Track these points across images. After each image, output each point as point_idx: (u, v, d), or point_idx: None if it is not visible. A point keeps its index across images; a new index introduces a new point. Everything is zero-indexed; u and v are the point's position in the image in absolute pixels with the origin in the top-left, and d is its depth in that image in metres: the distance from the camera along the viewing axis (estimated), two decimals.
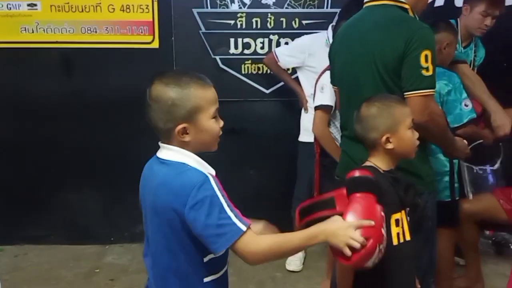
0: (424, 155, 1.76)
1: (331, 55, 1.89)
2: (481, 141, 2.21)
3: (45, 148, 3.02)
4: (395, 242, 1.35)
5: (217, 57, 2.97)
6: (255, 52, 2.94)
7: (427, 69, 1.58)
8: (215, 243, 1.10)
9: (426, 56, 1.57)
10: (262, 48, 2.94)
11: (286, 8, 2.93)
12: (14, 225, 3.09)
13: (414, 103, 1.59)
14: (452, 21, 2.50)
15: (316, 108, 2.33)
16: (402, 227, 1.38)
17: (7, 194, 3.05)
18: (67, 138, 3.02)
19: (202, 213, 1.09)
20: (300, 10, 2.93)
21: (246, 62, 2.98)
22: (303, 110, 2.76)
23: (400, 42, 1.59)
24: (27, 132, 3.00)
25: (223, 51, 2.96)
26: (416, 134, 1.43)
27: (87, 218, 3.12)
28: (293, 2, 2.92)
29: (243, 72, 2.99)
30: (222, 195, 1.13)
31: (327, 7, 2.91)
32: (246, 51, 2.96)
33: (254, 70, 2.99)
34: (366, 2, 1.77)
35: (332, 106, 2.28)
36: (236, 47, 2.96)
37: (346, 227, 1.17)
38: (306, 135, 2.72)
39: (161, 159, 1.20)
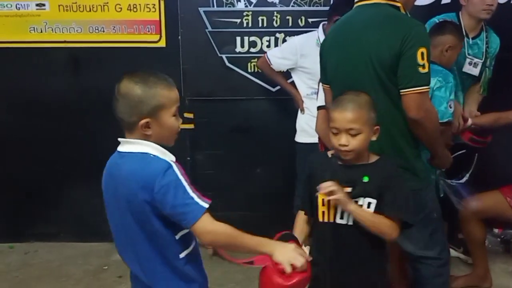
0: (418, 152, 1.79)
1: (322, 54, 1.90)
2: (463, 151, 2.27)
3: (54, 146, 3.05)
4: (320, 219, 1.55)
5: (224, 56, 2.98)
6: (261, 51, 2.93)
7: (423, 66, 1.61)
8: (183, 220, 1.23)
9: (422, 53, 1.60)
10: (268, 46, 2.94)
11: (292, 6, 2.92)
12: (24, 222, 3.13)
13: (411, 99, 1.62)
14: (453, 14, 2.49)
15: (319, 108, 2.33)
16: (328, 208, 1.52)
17: (17, 192, 3.09)
18: (76, 136, 3.05)
19: (169, 196, 1.21)
20: (306, 8, 2.93)
21: (252, 60, 2.97)
22: (299, 111, 2.77)
23: (396, 40, 1.60)
24: (36, 130, 3.03)
25: (230, 50, 2.96)
26: None
27: (96, 216, 3.11)
28: (299, 0, 2.92)
29: (249, 70, 3.00)
30: (185, 180, 1.24)
31: None
32: (252, 50, 2.96)
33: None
34: (357, 2, 1.79)
35: None
36: (242, 46, 2.96)
37: (293, 249, 1.30)
38: (302, 136, 2.73)
39: (123, 152, 1.31)
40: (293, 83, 2.79)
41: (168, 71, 2.97)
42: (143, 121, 1.26)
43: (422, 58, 1.60)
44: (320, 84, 2.37)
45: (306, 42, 2.64)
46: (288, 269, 1.24)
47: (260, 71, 2.95)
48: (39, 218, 3.12)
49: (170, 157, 1.30)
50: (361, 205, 1.49)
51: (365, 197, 1.49)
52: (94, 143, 3.04)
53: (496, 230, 3.04)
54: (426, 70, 1.61)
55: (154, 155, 1.27)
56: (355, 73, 1.71)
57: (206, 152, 3.11)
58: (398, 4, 1.72)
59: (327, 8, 2.75)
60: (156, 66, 2.88)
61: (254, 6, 2.92)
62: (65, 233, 3.16)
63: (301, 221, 1.64)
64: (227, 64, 2.99)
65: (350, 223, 1.50)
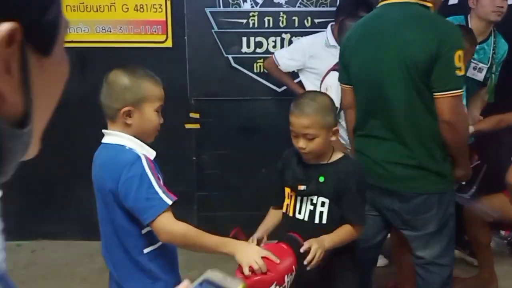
0: (446, 155, 1.74)
1: (346, 54, 1.83)
2: (478, 162, 2.25)
3: (61, 145, 3.07)
4: (284, 210, 1.60)
5: (230, 56, 2.98)
6: (267, 51, 2.93)
7: (460, 69, 1.58)
8: (144, 214, 1.23)
9: (459, 56, 1.57)
10: (274, 47, 2.94)
11: (299, 6, 2.92)
12: (31, 220, 3.15)
13: (446, 103, 1.59)
14: (461, 17, 2.47)
15: None
16: (290, 202, 1.57)
17: (24, 190, 3.10)
18: (82, 136, 3.06)
19: (133, 188, 1.23)
20: (312, 8, 2.92)
21: (258, 61, 2.98)
22: None
23: (433, 41, 1.56)
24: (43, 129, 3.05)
25: (236, 50, 2.97)
26: None
27: None
28: (305, 0, 2.91)
29: (255, 70, 3.00)
30: (152, 174, 1.25)
31: None
32: (258, 50, 2.97)
33: None
34: (383, 0, 1.73)
35: (337, 108, 2.29)
36: (248, 46, 2.97)
37: (255, 251, 1.28)
38: None
39: (104, 143, 1.35)
40: (300, 83, 2.79)
41: (174, 71, 3.00)
42: (125, 109, 1.29)
43: (459, 61, 1.57)
44: (322, 85, 2.36)
45: (314, 43, 2.64)
46: (246, 271, 1.23)
47: (266, 71, 2.95)
48: (46, 216, 3.14)
49: (148, 151, 1.33)
50: (316, 204, 1.52)
51: (319, 196, 1.51)
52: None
53: (502, 232, 3.02)
54: (462, 72, 1.60)
55: (129, 148, 1.30)
56: (385, 74, 1.67)
57: (212, 152, 3.12)
58: (429, 4, 1.67)
59: (333, 8, 2.75)
60: (162, 66, 2.89)
61: (260, 6, 2.92)
62: (72, 232, 3.17)
63: (270, 213, 1.68)
64: (233, 64, 2.99)
65: (306, 219, 1.53)
